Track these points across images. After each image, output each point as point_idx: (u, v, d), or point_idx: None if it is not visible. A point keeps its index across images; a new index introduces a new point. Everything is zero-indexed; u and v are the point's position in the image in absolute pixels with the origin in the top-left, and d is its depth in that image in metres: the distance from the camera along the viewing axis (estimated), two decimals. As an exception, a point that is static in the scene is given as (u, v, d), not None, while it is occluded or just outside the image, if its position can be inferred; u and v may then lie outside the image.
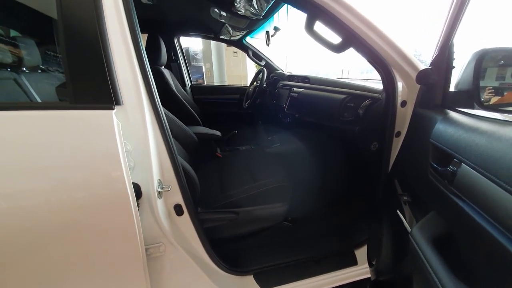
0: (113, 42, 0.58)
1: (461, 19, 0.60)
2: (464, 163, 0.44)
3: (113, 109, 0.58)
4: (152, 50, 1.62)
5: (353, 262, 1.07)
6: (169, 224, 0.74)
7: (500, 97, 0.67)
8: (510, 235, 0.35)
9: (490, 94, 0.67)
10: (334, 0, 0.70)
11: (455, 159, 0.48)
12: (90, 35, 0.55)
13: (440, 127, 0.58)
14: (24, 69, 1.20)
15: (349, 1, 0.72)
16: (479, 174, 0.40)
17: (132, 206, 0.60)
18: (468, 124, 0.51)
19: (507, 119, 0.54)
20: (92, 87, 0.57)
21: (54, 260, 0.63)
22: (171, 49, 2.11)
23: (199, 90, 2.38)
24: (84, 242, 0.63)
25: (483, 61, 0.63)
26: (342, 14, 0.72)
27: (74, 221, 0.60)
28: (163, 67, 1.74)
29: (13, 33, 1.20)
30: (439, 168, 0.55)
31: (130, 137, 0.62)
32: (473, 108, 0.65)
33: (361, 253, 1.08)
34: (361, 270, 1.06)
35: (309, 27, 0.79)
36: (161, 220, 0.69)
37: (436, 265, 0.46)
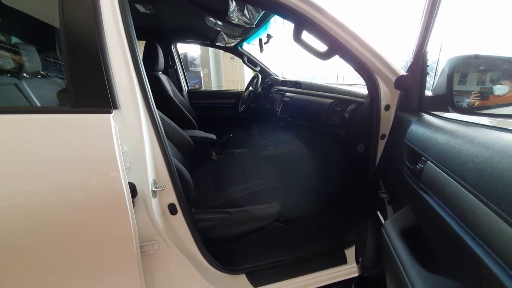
0: (112, 50, 0.62)
1: (431, 29, 0.65)
2: (428, 161, 0.49)
3: (111, 112, 0.62)
4: (150, 56, 1.67)
5: (343, 261, 1.10)
6: (163, 223, 0.77)
7: (482, 100, 0.73)
8: (465, 227, 0.38)
9: (476, 98, 0.72)
10: (318, 12, 0.76)
11: (422, 157, 0.52)
12: (90, 43, 0.60)
13: (413, 128, 0.63)
14: (25, 74, 1.24)
15: (333, 12, 0.78)
16: (439, 170, 0.44)
17: (128, 205, 0.64)
18: (436, 125, 0.56)
19: (473, 121, 0.59)
20: (91, 93, 0.62)
21: (51, 258, 0.65)
22: (169, 55, 2.17)
23: (196, 95, 2.43)
24: (82, 239, 0.66)
25: (457, 67, 0.69)
26: (326, 24, 0.77)
27: (73, 220, 0.63)
28: (160, 72, 1.79)
29: (13, 39, 1.24)
30: (411, 166, 0.59)
31: (126, 139, 0.66)
32: (447, 111, 0.71)
33: (351, 252, 1.11)
34: (351, 269, 1.08)
35: (297, 36, 0.85)
36: (155, 218, 0.72)
37: (402, 253, 0.50)
